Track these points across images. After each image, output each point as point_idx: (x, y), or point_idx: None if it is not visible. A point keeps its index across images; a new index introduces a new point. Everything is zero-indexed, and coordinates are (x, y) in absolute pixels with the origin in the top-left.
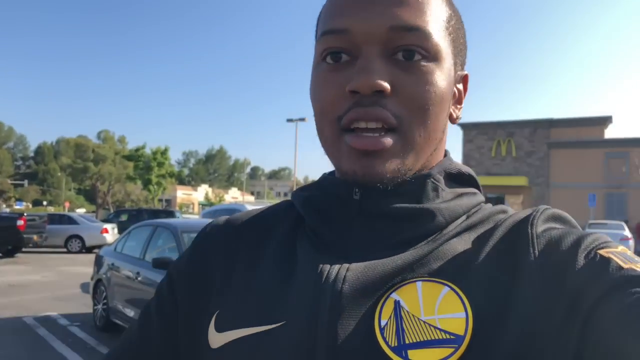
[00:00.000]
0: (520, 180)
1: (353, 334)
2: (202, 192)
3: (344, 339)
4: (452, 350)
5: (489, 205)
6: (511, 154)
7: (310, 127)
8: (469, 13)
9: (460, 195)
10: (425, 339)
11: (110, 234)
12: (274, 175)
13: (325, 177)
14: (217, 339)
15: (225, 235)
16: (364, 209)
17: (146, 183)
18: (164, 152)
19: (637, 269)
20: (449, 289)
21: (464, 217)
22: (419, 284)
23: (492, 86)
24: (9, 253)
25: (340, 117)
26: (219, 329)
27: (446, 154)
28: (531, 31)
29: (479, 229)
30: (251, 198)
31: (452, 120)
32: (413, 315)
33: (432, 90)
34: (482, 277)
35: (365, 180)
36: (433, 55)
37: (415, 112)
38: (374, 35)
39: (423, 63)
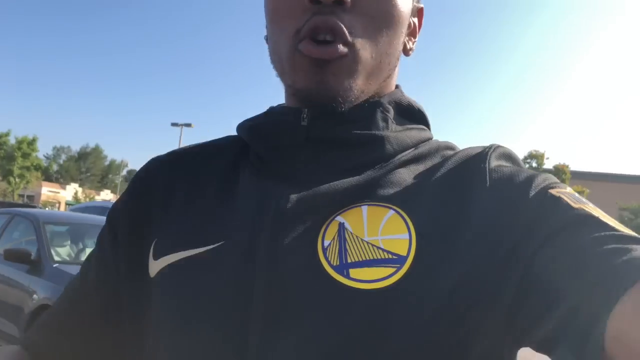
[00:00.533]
0: None
1: (295, 253)
2: (70, 191)
3: (285, 258)
4: (394, 269)
5: (437, 140)
6: None
7: (195, 133)
8: None
9: (409, 128)
10: (368, 258)
11: None
12: None
13: (273, 107)
14: (154, 266)
15: (164, 167)
16: (311, 135)
17: (6, 174)
18: (32, 143)
19: (586, 209)
20: (393, 212)
21: (412, 149)
22: (365, 207)
23: None
24: None
25: (298, 30)
26: (156, 256)
27: (397, 86)
28: None
29: (428, 160)
30: None
31: (406, 52)
32: (356, 236)
33: (390, 11)
34: (429, 203)
35: (319, 96)
36: None
37: (371, 31)
38: None
39: None
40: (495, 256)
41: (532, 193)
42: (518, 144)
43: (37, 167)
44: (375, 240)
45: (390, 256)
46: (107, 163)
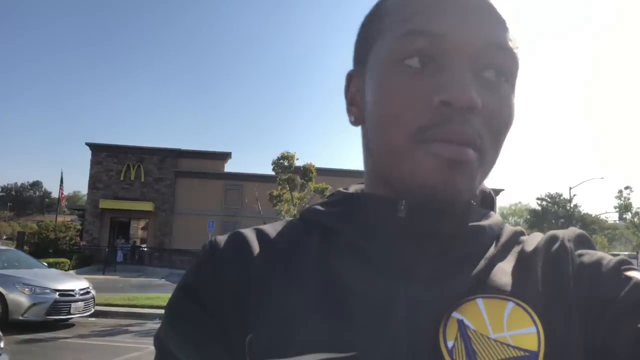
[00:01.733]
0: (147, 206)
1: None
2: None
3: None
4: None
5: (505, 223)
6: (140, 180)
7: None
8: None
9: (489, 214)
10: (500, 359)
11: None
12: None
13: (357, 194)
14: None
15: (254, 245)
16: (409, 227)
17: None
18: None
19: None
20: (514, 304)
21: (502, 236)
22: (480, 300)
23: (125, 107)
24: None
25: (422, 127)
26: (256, 356)
27: None
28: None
29: (515, 246)
30: None
31: None
32: (481, 334)
33: (510, 115)
34: (537, 290)
35: (443, 194)
36: (512, 80)
37: (494, 135)
38: (469, 47)
39: (506, 87)
40: (593, 339)
41: (610, 275)
42: (276, 149)
43: None
44: (504, 338)
45: (522, 353)
46: None
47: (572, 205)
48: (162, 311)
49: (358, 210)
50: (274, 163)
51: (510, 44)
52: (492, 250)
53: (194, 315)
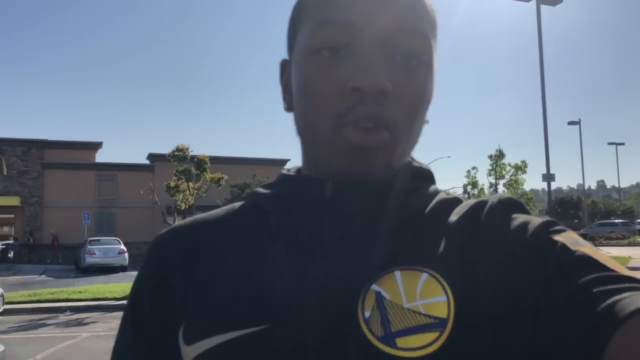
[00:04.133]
0: (13, 200)
1: (340, 330)
2: None
3: (331, 337)
4: (437, 333)
5: (444, 194)
6: (2, 173)
7: None
8: None
9: (420, 188)
10: (411, 326)
11: None
12: None
13: (291, 176)
14: (188, 352)
15: (182, 237)
16: (335, 206)
17: None
18: None
19: (583, 251)
20: (427, 274)
21: (429, 209)
22: (398, 273)
23: None
24: None
25: (340, 113)
26: (188, 341)
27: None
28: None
29: (444, 217)
30: None
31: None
32: (396, 304)
33: (425, 96)
34: (455, 259)
35: (357, 176)
36: (427, 61)
37: (408, 115)
38: (379, 33)
39: (420, 68)
40: (517, 309)
41: (535, 239)
42: (171, 142)
43: None
44: (416, 307)
45: (432, 320)
46: None
47: None
48: (69, 303)
49: (289, 191)
50: (169, 156)
51: (421, 25)
52: (414, 223)
53: (131, 321)
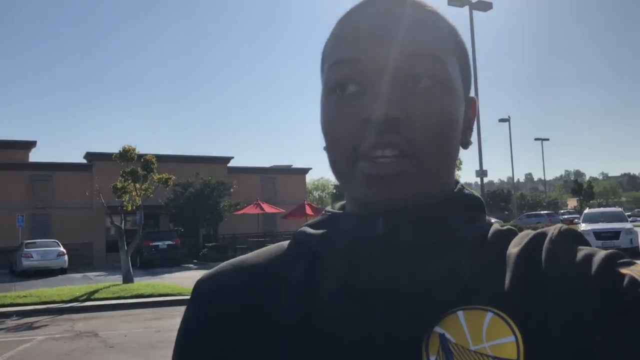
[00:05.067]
0: None
1: None
2: None
3: None
4: None
5: (497, 225)
6: None
7: None
8: None
9: (475, 217)
10: None
11: None
12: None
13: (338, 214)
14: None
15: (235, 283)
16: (389, 243)
17: None
18: None
19: None
20: (492, 314)
21: (487, 243)
22: (461, 313)
23: None
24: None
25: (355, 147)
26: None
27: (457, 182)
28: None
29: (500, 252)
30: None
31: (463, 145)
32: (462, 346)
33: (444, 116)
34: (519, 296)
35: (381, 206)
36: (444, 81)
37: (430, 137)
38: (384, 64)
39: (434, 89)
40: (587, 346)
41: (601, 273)
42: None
43: None
44: (483, 349)
45: None
46: None
47: None
48: (15, 308)
49: (340, 230)
50: (115, 157)
51: (427, 45)
52: (474, 257)
53: None
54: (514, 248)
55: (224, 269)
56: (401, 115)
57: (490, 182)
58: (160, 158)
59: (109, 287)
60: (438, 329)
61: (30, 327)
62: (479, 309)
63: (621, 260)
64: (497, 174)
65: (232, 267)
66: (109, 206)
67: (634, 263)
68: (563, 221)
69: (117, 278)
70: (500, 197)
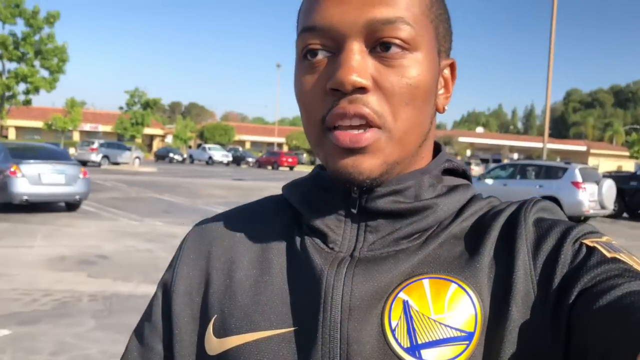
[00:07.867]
0: None
1: (365, 337)
2: None
3: (356, 343)
4: (463, 347)
5: (480, 195)
6: None
7: None
8: None
9: (455, 188)
10: (437, 338)
11: None
12: None
13: (321, 172)
14: (215, 345)
15: (217, 231)
16: (363, 207)
17: None
18: None
19: (621, 258)
20: (456, 285)
21: (461, 212)
22: (426, 281)
23: None
24: None
25: (324, 117)
26: (218, 334)
27: (440, 147)
28: None
29: (476, 223)
30: None
31: (439, 110)
32: (423, 314)
33: (413, 83)
34: (484, 271)
35: (351, 178)
36: (414, 46)
37: (398, 107)
38: (352, 31)
39: (403, 55)
40: (544, 318)
41: (568, 245)
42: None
43: None
44: (443, 318)
45: (459, 334)
46: None
47: None
48: None
49: (321, 191)
50: None
51: (396, 11)
52: (447, 225)
53: (155, 301)
54: (488, 221)
55: (220, 215)
56: (368, 84)
57: None
58: None
59: None
60: (403, 295)
61: None
62: (444, 279)
63: (586, 232)
64: None
65: (227, 213)
66: None
67: (600, 234)
68: None
69: None
70: None
